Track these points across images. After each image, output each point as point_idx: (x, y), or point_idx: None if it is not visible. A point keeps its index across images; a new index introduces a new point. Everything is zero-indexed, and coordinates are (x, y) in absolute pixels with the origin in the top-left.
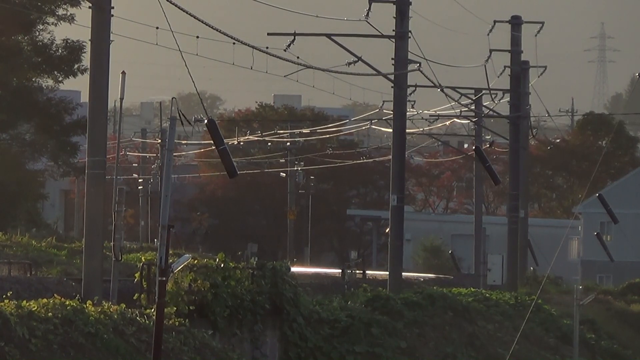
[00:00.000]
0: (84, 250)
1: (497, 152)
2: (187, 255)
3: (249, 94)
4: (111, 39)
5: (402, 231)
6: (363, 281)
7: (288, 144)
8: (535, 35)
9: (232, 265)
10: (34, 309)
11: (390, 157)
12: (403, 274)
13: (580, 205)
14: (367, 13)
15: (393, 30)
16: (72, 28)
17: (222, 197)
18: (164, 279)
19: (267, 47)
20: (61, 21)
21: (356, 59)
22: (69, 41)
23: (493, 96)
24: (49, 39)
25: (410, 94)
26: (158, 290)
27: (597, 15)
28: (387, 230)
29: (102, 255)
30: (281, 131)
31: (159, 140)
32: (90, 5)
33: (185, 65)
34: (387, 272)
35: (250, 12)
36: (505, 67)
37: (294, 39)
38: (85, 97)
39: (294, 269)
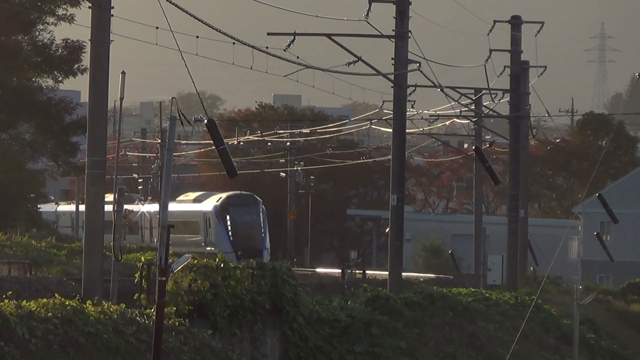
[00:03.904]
0: (84, 250)
1: (497, 152)
2: (187, 255)
3: (249, 94)
4: (111, 39)
5: (402, 231)
6: (363, 281)
7: (288, 144)
8: (535, 35)
9: (232, 265)
10: (33, 309)
11: (390, 157)
12: (403, 274)
13: (580, 205)
14: (367, 13)
15: (393, 30)
16: (72, 28)
17: None
18: (164, 279)
19: (267, 47)
20: (61, 21)
21: (356, 59)
22: (69, 41)
23: (493, 96)
24: (49, 39)
25: (410, 93)
26: (158, 290)
27: (597, 15)
28: (387, 230)
29: (102, 255)
30: (281, 131)
31: (159, 140)
32: (90, 5)
33: (185, 65)
34: (387, 272)
35: (250, 12)
36: (505, 67)
37: (294, 39)
38: (85, 97)
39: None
